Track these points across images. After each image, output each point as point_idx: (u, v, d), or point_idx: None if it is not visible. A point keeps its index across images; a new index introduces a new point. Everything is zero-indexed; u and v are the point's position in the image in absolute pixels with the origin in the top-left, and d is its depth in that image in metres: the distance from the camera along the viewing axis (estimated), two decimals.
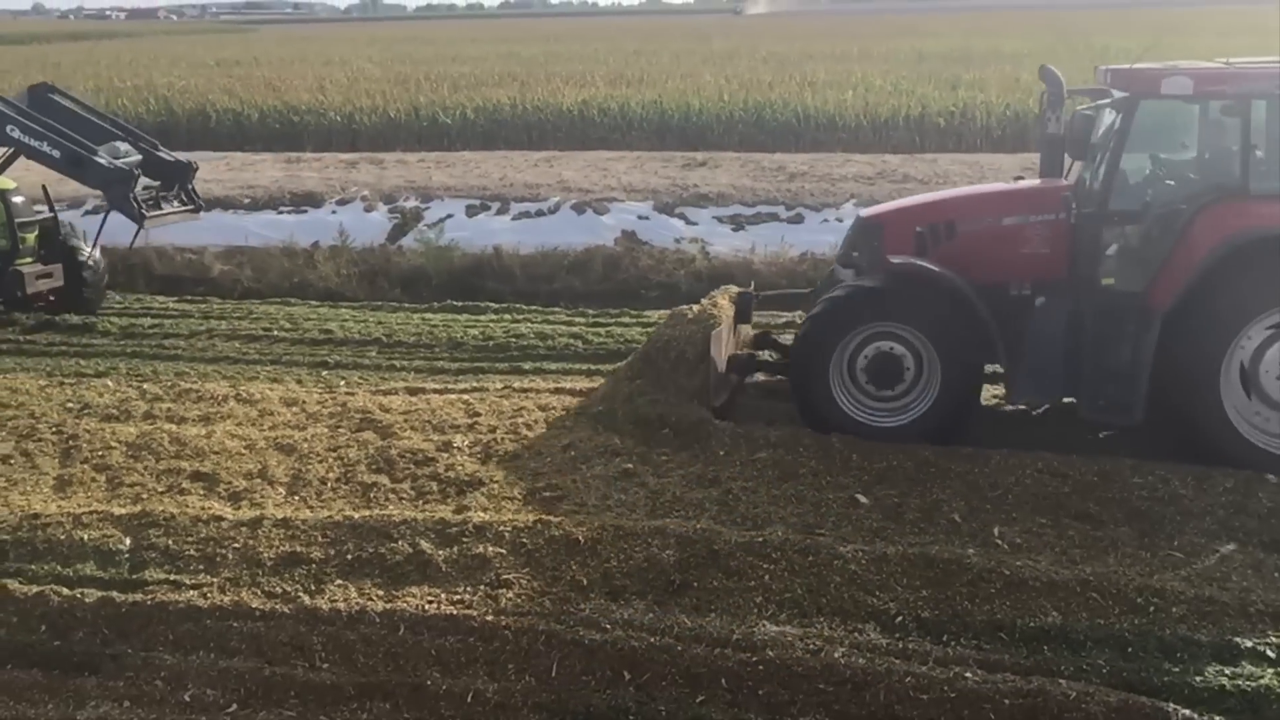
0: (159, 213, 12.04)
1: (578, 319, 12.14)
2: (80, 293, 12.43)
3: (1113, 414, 7.90)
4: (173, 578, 6.38)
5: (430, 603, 6.04)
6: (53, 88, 12.96)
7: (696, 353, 8.45)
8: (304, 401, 9.21)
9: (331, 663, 5.67)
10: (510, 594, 6.11)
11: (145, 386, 9.70)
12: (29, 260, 12.02)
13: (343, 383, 9.95)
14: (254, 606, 6.05)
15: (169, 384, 9.77)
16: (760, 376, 9.37)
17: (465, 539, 6.59)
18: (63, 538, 6.80)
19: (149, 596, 6.16)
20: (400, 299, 13.63)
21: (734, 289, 9.49)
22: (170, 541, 6.71)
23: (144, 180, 11.96)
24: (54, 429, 8.61)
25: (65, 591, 6.21)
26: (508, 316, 12.27)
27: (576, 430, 8.29)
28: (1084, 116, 8.37)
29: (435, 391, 9.49)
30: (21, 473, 7.91)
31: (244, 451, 8.15)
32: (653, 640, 5.57)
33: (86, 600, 6.13)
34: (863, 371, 8.16)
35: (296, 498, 7.45)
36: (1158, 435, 7.82)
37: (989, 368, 8.40)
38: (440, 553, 6.47)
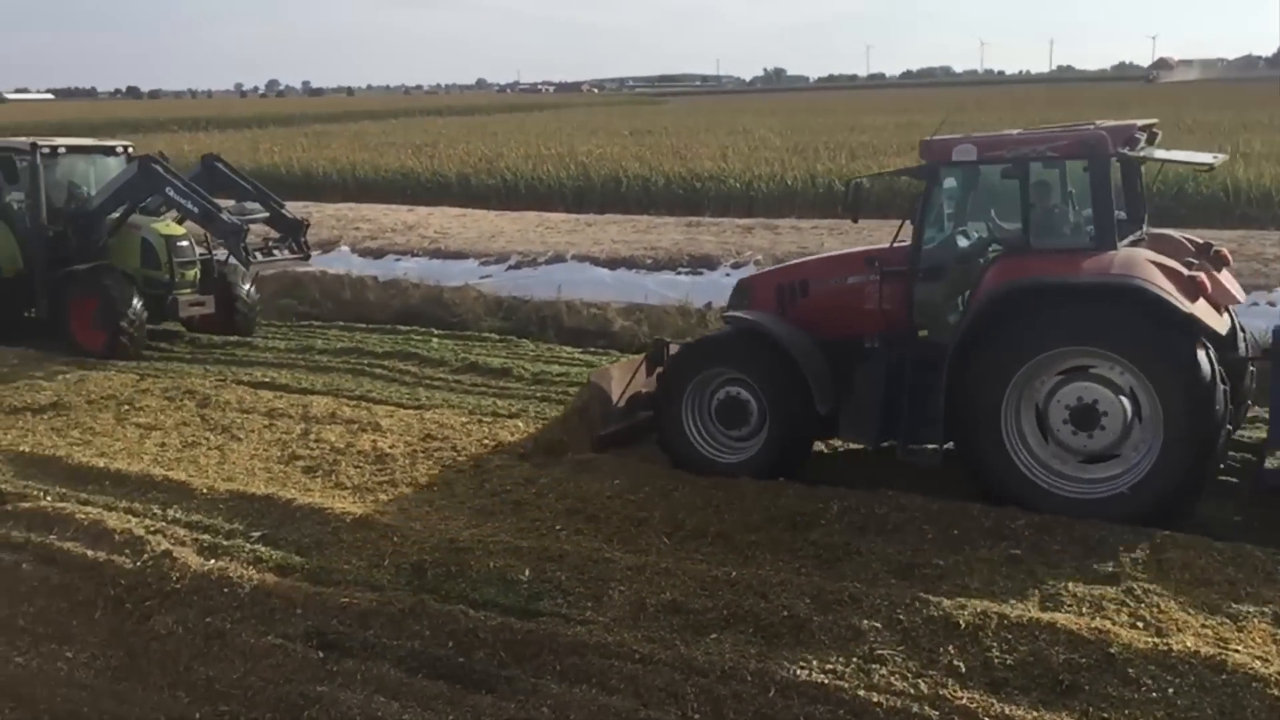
0: (269, 259, 14.86)
1: None
2: (233, 319, 15.39)
3: (922, 456, 8.55)
4: (564, 611, 6.79)
5: (802, 668, 6.02)
6: (217, 158, 15.80)
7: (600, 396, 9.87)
8: None
9: (703, 714, 5.79)
10: (884, 670, 5.96)
11: None
12: (187, 290, 14.80)
13: None
14: (635, 648, 6.31)
15: None
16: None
17: (840, 607, 6.53)
18: (473, 563, 7.45)
19: (542, 626, 6.58)
20: None
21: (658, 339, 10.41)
22: (564, 576, 7.17)
23: (268, 231, 15.25)
24: (472, 462, 9.47)
25: (471, 613, 6.78)
26: None
27: (957, 509, 7.99)
28: (857, 184, 9.36)
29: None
30: (443, 499, 8.76)
31: (629, 498, 8.56)
32: None
33: (488, 623, 6.66)
34: (714, 412, 9.18)
35: (679, 548, 7.70)
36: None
37: None
38: (815, 618, 6.44)
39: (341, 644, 6.75)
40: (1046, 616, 6.31)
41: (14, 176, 15.16)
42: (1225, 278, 8.58)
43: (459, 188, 28.29)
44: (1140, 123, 8.66)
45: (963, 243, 9.03)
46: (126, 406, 11.46)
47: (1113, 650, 5.90)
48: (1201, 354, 7.52)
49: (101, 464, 9.61)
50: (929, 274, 8.69)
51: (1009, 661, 5.96)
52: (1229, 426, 7.91)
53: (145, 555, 7.74)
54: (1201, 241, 9.01)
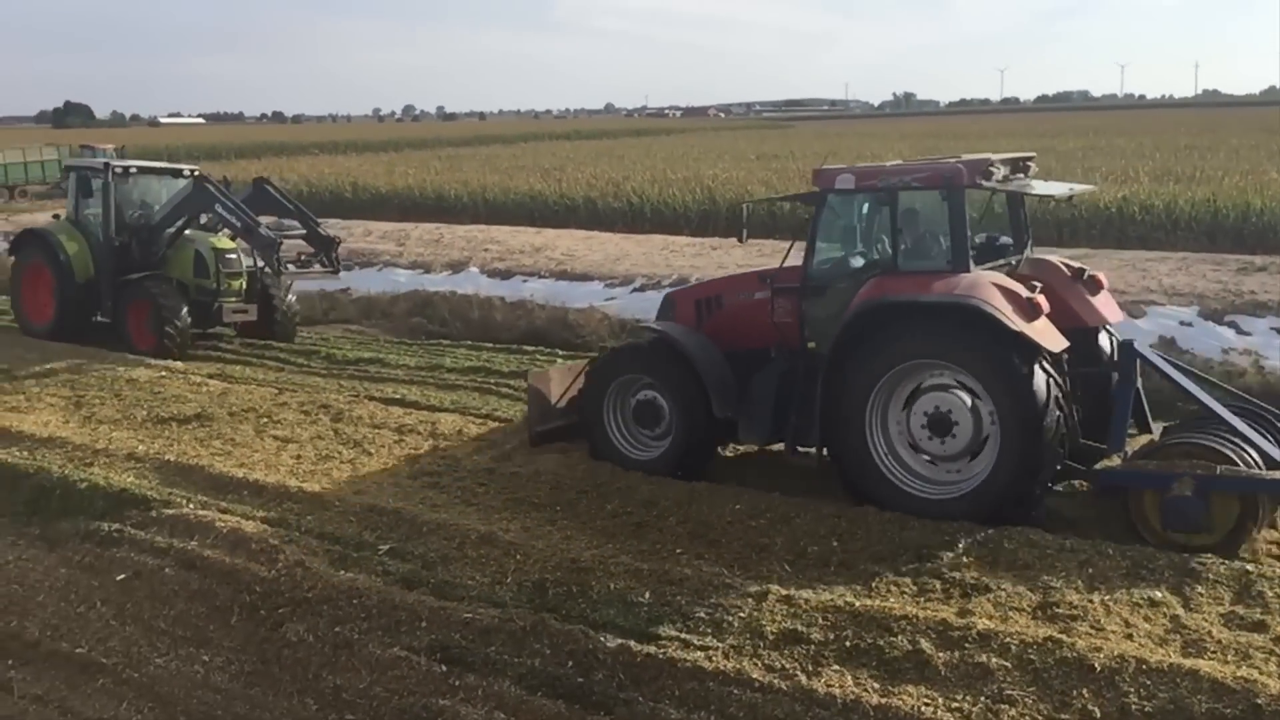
0: (303, 270, 16.69)
1: None
2: (273, 326, 16.88)
3: (805, 458, 9.38)
4: (683, 636, 6.76)
5: (926, 705, 5.88)
6: (267, 180, 17.77)
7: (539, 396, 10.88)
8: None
9: None
10: (1013, 712, 5.78)
11: None
12: (233, 299, 16.44)
13: None
14: (754, 677, 6.25)
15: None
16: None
17: (968, 645, 6.35)
18: (594, 583, 7.50)
19: (661, 650, 6.57)
20: None
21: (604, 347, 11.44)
22: (684, 601, 7.14)
23: (302, 246, 16.79)
24: (595, 484, 9.53)
25: (591, 633, 6.82)
26: None
27: (1091, 547, 7.72)
28: (746, 206, 10.94)
29: None
30: (566, 519, 8.83)
31: (751, 524, 8.50)
32: None
33: (608, 645, 6.68)
34: (633, 412, 10.13)
35: (801, 576, 7.61)
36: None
37: None
38: (940, 655, 6.28)
39: (464, 659, 6.85)
40: (1188, 663, 6.03)
41: (89, 192, 16.98)
42: (1101, 299, 9.39)
43: (586, 211, 28.64)
44: (1000, 156, 9.20)
45: (848, 263, 9.74)
46: (265, 419, 11.88)
47: (1259, 701, 5.60)
48: (1033, 368, 8.15)
49: (241, 474, 9.98)
50: (816, 291, 9.45)
51: (1148, 709, 5.71)
52: (1068, 433, 8.44)
53: (279, 564, 8.01)
54: (1078, 266, 9.60)
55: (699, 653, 6.54)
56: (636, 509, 8.93)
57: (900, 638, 6.48)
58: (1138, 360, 8.83)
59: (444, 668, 6.82)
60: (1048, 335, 8.34)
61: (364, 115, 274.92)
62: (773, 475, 9.72)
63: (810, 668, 6.34)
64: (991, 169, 8.82)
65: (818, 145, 54.34)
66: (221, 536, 8.50)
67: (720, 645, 6.62)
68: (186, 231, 16.61)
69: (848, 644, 6.51)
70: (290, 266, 16.39)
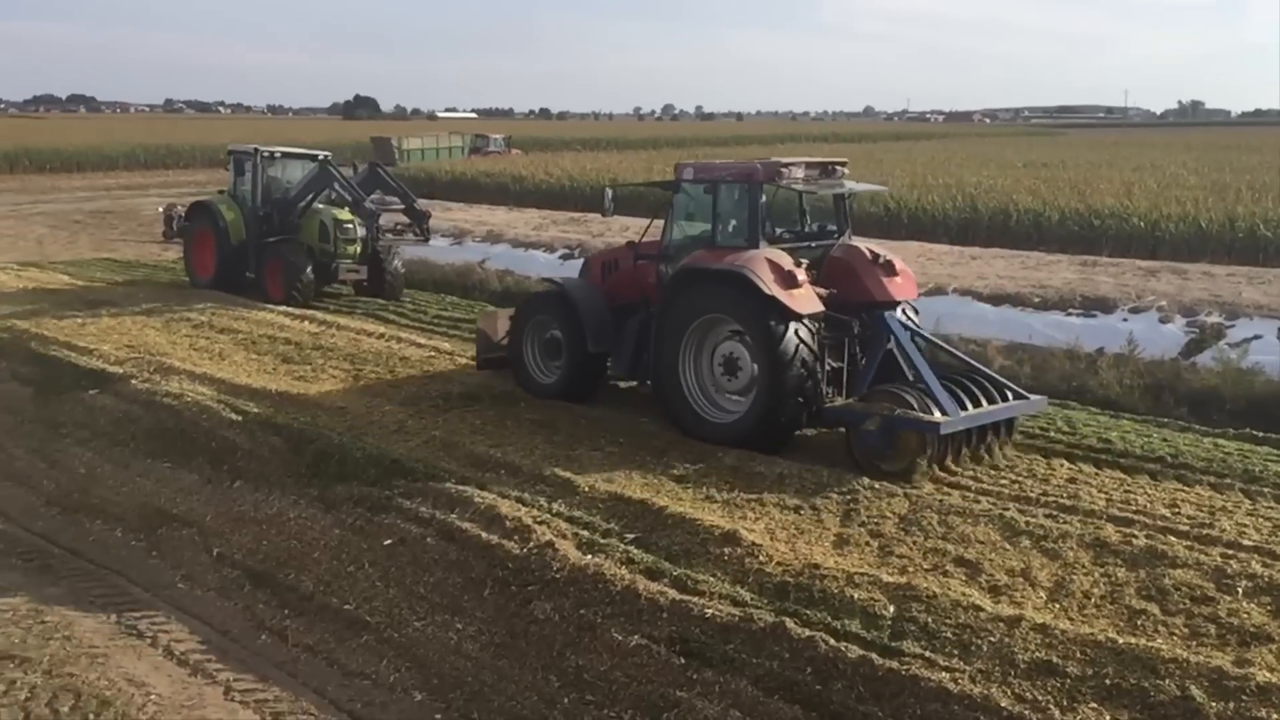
0: (398, 239, 20.39)
1: None
2: (382, 287, 20.18)
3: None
4: (928, 655, 6.55)
5: None
6: (378, 164, 21.91)
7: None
8: (1068, 507, 8.95)
9: None
10: None
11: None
12: (348, 261, 19.89)
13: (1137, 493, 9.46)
14: (1002, 705, 6.01)
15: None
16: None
17: (1245, 697, 5.87)
18: (835, 591, 7.38)
19: (904, 667, 6.40)
20: (1187, 419, 12.63)
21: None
22: (930, 619, 6.93)
23: (399, 219, 20.37)
24: (844, 490, 9.37)
25: (831, 642, 6.72)
26: None
27: None
28: (609, 190, 13.26)
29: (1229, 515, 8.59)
30: (809, 524, 8.75)
31: (1007, 546, 8.15)
32: None
33: (849, 655, 6.57)
34: (543, 347, 12.78)
35: (1057, 605, 7.23)
36: None
37: None
38: (1213, 705, 5.84)
39: (702, 653, 6.91)
40: None
41: (243, 172, 20.83)
42: (895, 281, 11.24)
43: None
44: (807, 159, 11.59)
45: (689, 238, 12.00)
46: (523, 404, 12.36)
47: None
48: (786, 325, 10.31)
49: (498, 454, 10.43)
50: (670, 259, 11.87)
51: None
52: (814, 383, 10.50)
53: (531, 543, 8.32)
54: (880, 252, 11.58)
55: (944, 673, 6.33)
56: (882, 519, 8.74)
57: (1168, 681, 6.05)
58: (889, 328, 10.89)
59: (682, 660, 6.90)
60: (800, 300, 10.46)
61: (625, 113, 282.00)
62: (1042, 502, 9.29)
63: (1065, 702, 6.03)
64: (783, 170, 11.15)
65: (1091, 154, 51.59)
66: (479, 512, 8.91)
67: (967, 668, 6.39)
68: (317, 205, 20.10)
69: (1107, 682, 6.14)
70: (388, 235, 20.04)
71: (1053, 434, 11.39)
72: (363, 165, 21.85)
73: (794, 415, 10.53)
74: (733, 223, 11.40)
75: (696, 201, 12.01)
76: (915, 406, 9.88)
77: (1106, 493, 9.46)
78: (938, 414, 9.82)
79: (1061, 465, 10.33)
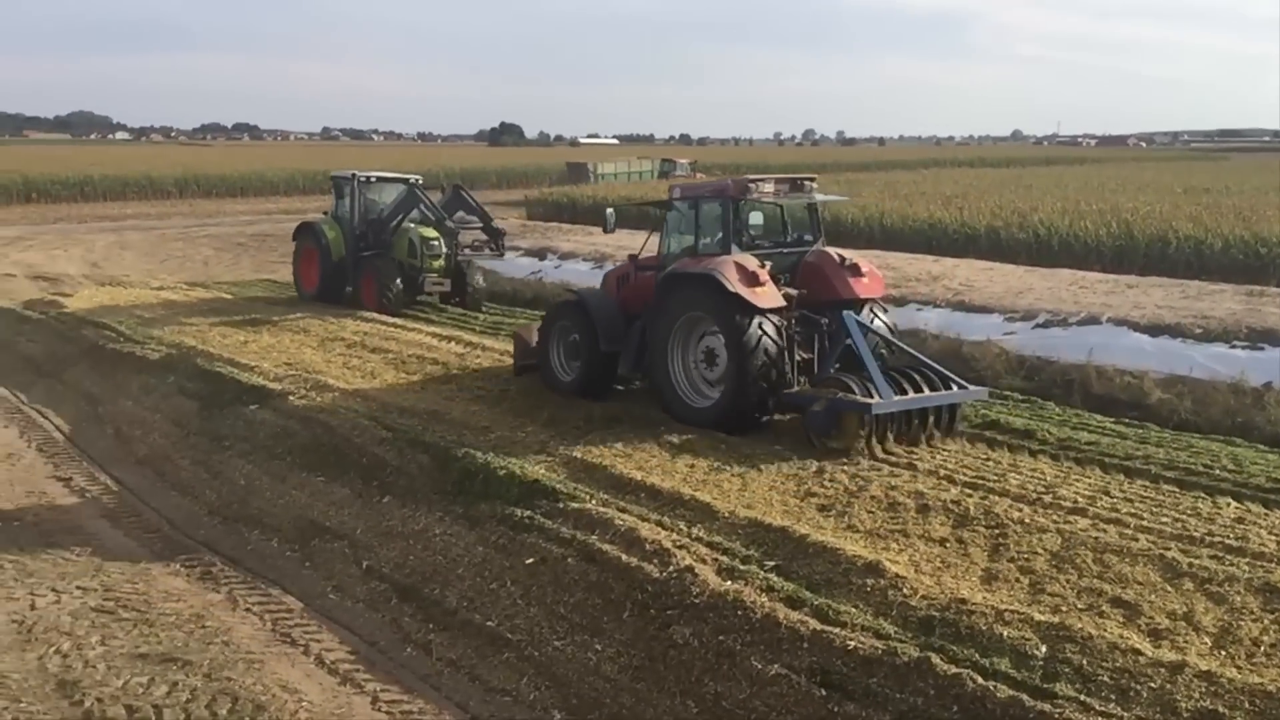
0: (475, 254, 22.29)
1: None
2: (465, 300, 22.30)
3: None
4: (1083, 698, 6.29)
5: None
6: (460, 186, 24.41)
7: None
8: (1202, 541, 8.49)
9: None
10: None
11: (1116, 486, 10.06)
12: (434, 275, 21.94)
13: None
14: None
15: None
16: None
17: None
18: (984, 628, 7.16)
19: (1058, 710, 6.16)
20: None
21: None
22: (1085, 661, 6.66)
23: (476, 235, 22.39)
24: (991, 522, 9.10)
25: (980, 680, 6.51)
26: None
27: None
28: (610, 210, 15.35)
29: None
30: (955, 558, 8.51)
31: (1169, 588, 7.79)
32: None
33: (998, 695, 6.35)
34: (566, 348, 14.20)
35: (1223, 652, 6.86)
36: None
37: None
38: None
39: (844, 686, 6.79)
40: None
41: (342, 195, 23.20)
42: (861, 281, 12.73)
43: (987, 240, 27.58)
44: (775, 176, 13.18)
45: (680, 249, 13.49)
46: (664, 427, 12.40)
47: None
48: (750, 320, 11.69)
49: (639, 477, 10.47)
50: (665, 270, 13.11)
51: None
52: (778, 373, 11.87)
53: (670, 567, 8.31)
54: (846, 255, 13.15)
55: (1100, 719, 6.06)
56: (1034, 556, 8.44)
57: None
58: (850, 323, 12.11)
59: (824, 691, 6.79)
60: (762, 296, 11.79)
61: (765, 139, 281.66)
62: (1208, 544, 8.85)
63: None
64: (751, 186, 12.74)
65: (1257, 178, 49.21)
66: (619, 534, 8.96)
67: (1126, 715, 6.11)
68: (406, 223, 22.25)
69: None
70: (466, 250, 22.06)
71: (1218, 471, 10.84)
72: (449, 188, 24.34)
73: (760, 400, 11.90)
74: (712, 234, 13.07)
75: (685, 217, 13.60)
76: (856, 391, 11.28)
77: (1277, 535, 8.95)
78: (875, 398, 11.12)
79: (1228, 504, 9.81)
